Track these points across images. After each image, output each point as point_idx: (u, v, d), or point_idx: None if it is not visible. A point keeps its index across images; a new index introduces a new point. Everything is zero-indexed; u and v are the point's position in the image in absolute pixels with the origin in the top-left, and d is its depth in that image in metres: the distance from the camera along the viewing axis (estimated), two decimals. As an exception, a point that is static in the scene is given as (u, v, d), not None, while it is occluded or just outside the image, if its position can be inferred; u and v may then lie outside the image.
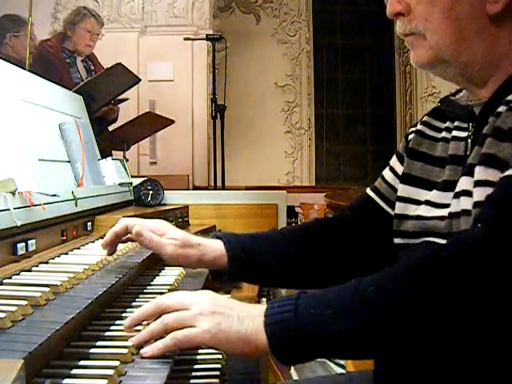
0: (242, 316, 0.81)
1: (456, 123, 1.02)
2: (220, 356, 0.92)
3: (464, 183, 0.90)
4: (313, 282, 1.15)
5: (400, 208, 1.05)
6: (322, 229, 1.19)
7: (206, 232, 2.18)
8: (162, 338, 0.85)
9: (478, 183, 0.86)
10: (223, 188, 4.20)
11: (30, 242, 1.15)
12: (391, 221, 1.07)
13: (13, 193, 1.10)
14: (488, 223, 0.79)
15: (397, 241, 1.05)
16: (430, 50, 0.95)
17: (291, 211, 4.65)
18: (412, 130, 1.12)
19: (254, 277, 1.16)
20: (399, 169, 1.11)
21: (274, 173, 6.99)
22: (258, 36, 7.08)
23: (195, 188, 5.25)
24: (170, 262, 1.12)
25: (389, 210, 1.13)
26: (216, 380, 0.85)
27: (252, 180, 6.26)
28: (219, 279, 1.14)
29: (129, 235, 1.16)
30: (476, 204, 0.86)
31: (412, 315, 0.75)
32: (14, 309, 0.79)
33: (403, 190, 1.06)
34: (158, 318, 0.84)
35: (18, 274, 1.02)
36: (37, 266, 1.10)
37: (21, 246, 1.12)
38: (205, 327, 0.80)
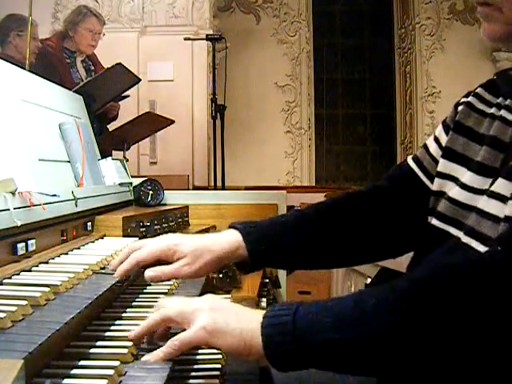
0: (240, 315, 0.80)
1: (507, 102, 0.95)
2: (220, 356, 0.92)
3: (500, 185, 0.86)
4: (342, 261, 1.11)
5: (438, 184, 1.01)
6: (353, 202, 1.12)
7: (206, 232, 2.18)
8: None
9: None
10: (223, 188, 4.20)
11: (30, 241, 1.15)
12: (429, 196, 1.02)
13: (13, 193, 1.10)
14: (509, 247, 0.76)
15: (431, 221, 0.99)
16: (505, 24, 0.88)
17: (291, 211, 4.63)
18: (463, 100, 1.05)
19: (278, 263, 1.13)
20: (444, 140, 1.05)
21: (273, 173, 6.99)
22: (258, 36, 7.08)
23: (195, 188, 5.24)
24: (193, 278, 1.09)
25: (429, 184, 1.06)
26: (216, 380, 0.85)
27: (252, 180, 6.26)
28: (243, 269, 1.11)
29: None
30: (507, 218, 0.81)
31: (417, 332, 0.72)
32: (14, 309, 0.79)
33: (443, 165, 1.01)
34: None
35: (18, 274, 1.02)
36: (37, 265, 1.10)
37: (21, 246, 1.11)
38: (201, 323, 0.79)
